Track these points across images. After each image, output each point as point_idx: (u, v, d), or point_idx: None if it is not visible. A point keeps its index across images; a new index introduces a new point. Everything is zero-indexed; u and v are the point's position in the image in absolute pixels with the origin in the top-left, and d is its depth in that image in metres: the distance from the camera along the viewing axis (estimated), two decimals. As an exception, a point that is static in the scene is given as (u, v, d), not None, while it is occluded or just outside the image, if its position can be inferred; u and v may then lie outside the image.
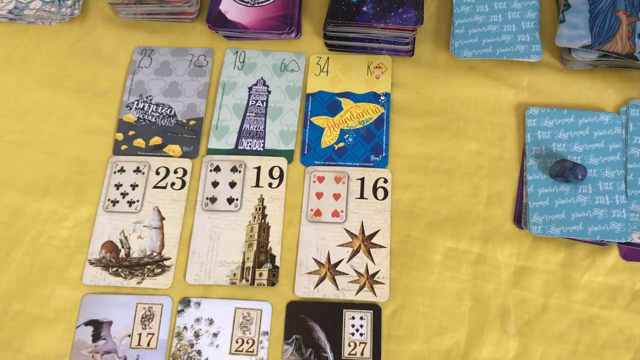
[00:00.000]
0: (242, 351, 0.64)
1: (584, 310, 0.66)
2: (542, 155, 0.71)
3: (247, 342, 0.65)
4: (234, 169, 0.72)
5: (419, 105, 0.76)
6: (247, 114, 0.76)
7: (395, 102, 0.76)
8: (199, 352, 0.64)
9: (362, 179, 0.71)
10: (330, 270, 0.67)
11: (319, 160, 0.73)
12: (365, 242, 0.69)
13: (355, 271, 0.67)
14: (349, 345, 0.64)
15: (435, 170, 0.72)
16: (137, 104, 0.76)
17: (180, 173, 0.72)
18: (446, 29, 0.80)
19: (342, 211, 0.70)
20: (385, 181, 0.71)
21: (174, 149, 0.74)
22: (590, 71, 0.77)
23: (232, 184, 0.72)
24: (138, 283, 0.67)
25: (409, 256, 0.68)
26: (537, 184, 0.70)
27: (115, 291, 0.67)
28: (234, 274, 0.67)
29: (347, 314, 0.66)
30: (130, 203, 0.71)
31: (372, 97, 0.76)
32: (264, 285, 0.67)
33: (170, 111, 0.76)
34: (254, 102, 0.76)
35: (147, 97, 0.77)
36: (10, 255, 0.69)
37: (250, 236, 0.69)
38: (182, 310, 0.66)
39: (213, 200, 0.71)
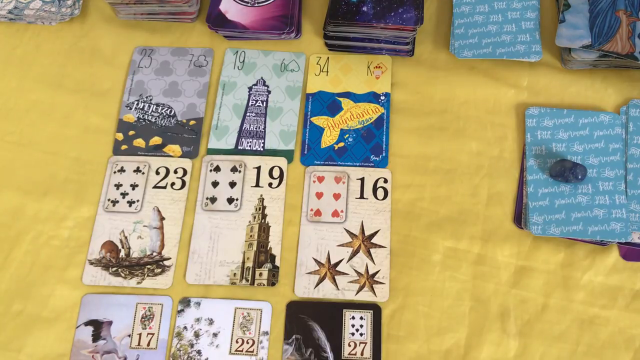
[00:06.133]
0: (242, 351, 0.64)
1: (584, 310, 0.66)
2: (542, 155, 0.71)
3: (247, 342, 0.65)
4: (234, 169, 0.72)
5: (419, 105, 0.76)
6: (247, 114, 0.76)
7: (395, 102, 0.76)
8: (199, 352, 0.64)
9: (362, 179, 0.71)
10: (330, 270, 0.67)
11: (319, 160, 0.73)
12: (365, 242, 0.69)
13: (355, 271, 0.67)
14: (349, 345, 0.64)
15: (435, 170, 0.72)
16: (137, 104, 0.76)
17: (180, 173, 0.72)
18: (446, 29, 0.80)
19: (342, 211, 0.70)
20: (385, 181, 0.71)
21: (174, 149, 0.74)
22: (590, 71, 0.77)
23: (232, 184, 0.72)
24: (138, 283, 0.67)
25: (409, 256, 0.68)
26: (537, 184, 0.70)
27: (115, 291, 0.67)
28: (234, 274, 0.67)
29: (347, 314, 0.66)
30: (130, 203, 0.71)
31: (372, 97, 0.76)
32: (264, 285, 0.67)
33: (170, 111, 0.76)
34: (254, 102, 0.76)
35: (147, 97, 0.77)
36: (10, 255, 0.69)
37: (250, 236, 0.69)
38: (182, 310, 0.66)
39: (213, 200, 0.71)
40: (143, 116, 0.76)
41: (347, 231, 0.69)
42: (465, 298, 0.66)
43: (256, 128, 0.75)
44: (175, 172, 0.72)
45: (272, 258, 0.68)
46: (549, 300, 0.66)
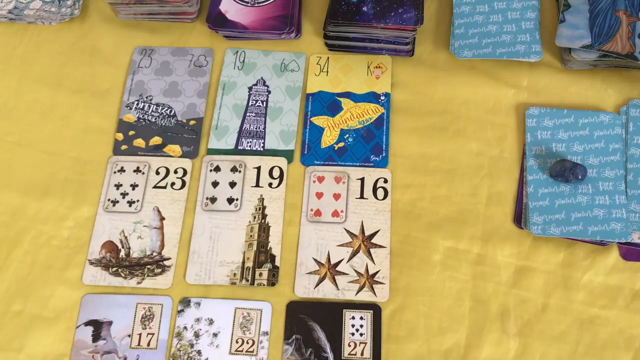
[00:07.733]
0: (242, 351, 0.64)
1: (584, 310, 0.66)
2: (542, 155, 0.71)
3: (247, 342, 0.65)
4: (234, 169, 0.72)
5: (419, 105, 0.76)
6: (247, 114, 0.76)
7: (395, 102, 0.76)
8: (199, 352, 0.64)
9: (362, 179, 0.71)
10: (330, 270, 0.67)
11: (319, 160, 0.73)
12: (365, 242, 0.69)
13: (355, 271, 0.67)
14: (349, 345, 0.64)
15: (435, 170, 0.72)
16: (137, 104, 0.76)
17: (180, 173, 0.72)
18: (446, 29, 0.80)
19: (342, 211, 0.70)
20: (385, 181, 0.71)
21: (174, 149, 0.74)
22: (590, 71, 0.77)
23: (232, 184, 0.72)
24: (138, 283, 0.67)
25: (409, 256, 0.68)
26: (537, 184, 0.70)
27: (115, 291, 0.67)
28: (234, 274, 0.67)
29: (347, 314, 0.66)
30: (130, 203, 0.71)
31: (372, 97, 0.76)
32: (264, 285, 0.67)
33: (170, 111, 0.76)
34: (254, 102, 0.76)
35: (147, 97, 0.77)
36: (10, 255, 0.69)
37: (250, 236, 0.69)
38: (182, 310, 0.66)
39: (213, 200, 0.71)
40: (143, 116, 0.76)
41: (347, 231, 0.69)
42: (465, 298, 0.66)
43: (256, 128, 0.75)
44: (175, 172, 0.72)
45: (272, 258, 0.68)
46: (549, 301, 0.66)
